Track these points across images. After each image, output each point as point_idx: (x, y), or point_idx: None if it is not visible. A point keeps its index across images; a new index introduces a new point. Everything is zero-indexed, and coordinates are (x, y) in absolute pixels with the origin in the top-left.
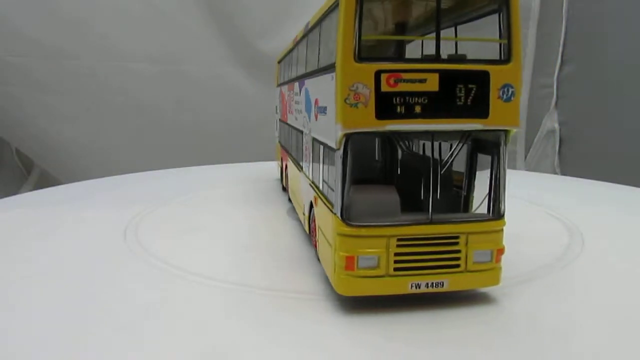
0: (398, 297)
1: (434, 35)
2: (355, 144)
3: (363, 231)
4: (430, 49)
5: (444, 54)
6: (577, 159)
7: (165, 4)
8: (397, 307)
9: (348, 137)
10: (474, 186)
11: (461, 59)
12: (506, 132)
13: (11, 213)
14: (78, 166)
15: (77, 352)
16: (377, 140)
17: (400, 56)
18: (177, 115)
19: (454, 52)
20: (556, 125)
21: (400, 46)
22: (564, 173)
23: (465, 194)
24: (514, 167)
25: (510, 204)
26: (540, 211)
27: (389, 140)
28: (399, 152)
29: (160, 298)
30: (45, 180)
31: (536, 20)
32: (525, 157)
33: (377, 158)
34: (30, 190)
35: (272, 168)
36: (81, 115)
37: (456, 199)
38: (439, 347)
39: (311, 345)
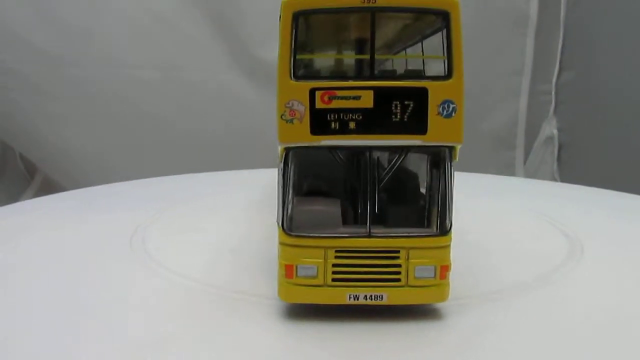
0: (351, 307)
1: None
2: (308, 157)
3: (302, 241)
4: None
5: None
6: (576, 165)
7: (166, 12)
8: (344, 316)
9: (288, 150)
10: (422, 201)
11: (398, 75)
12: (451, 147)
13: (15, 220)
14: (81, 172)
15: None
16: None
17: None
18: (180, 122)
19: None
20: (555, 132)
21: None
22: (563, 179)
23: (412, 208)
24: (513, 173)
25: (508, 211)
26: (539, 219)
27: (338, 154)
28: (351, 166)
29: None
30: (48, 186)
31: (534, 28)
32: (525, 163)
33: (331, 171)
34: (33, 194)
35: (274, 175)
36: (84, 121)
37: (403, 213)
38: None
39: (238, 346)
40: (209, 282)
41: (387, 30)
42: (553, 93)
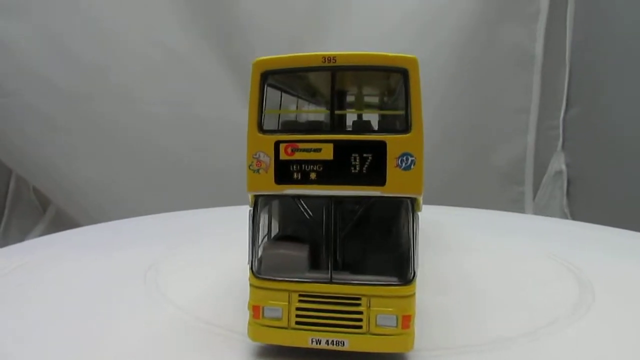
0: (321, 351)
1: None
2: (284, 204)
3: (269, 284)
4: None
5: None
6: (585, 200)
7: (178, 48)
8: (314, 358)
9: (257, 197)
10: (387, 249)
11: (358, 129)
12: (413, 198)
13: (29, 257)
14: (93, 206)
15: None
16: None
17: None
18: (191, 157)
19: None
20: (563, 167)
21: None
22: (573, 214)
23: (376, 256)
24: (522, 209)
25: (517, 252)
26: (549, 260)
27: (302, 202)
28: (323, 212)
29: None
30: (61, 218)
31: (540, 66)
32: (534, 198)
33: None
34: (46, 226)
35: None
36: (96, 155)
37: (367, 260)
38: None
39: None
40: (212, 321)
41: (349, 87)
42: (560, 129)
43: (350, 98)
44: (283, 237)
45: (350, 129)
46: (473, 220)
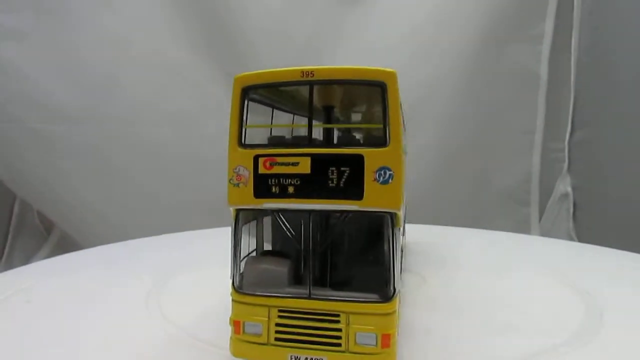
0: None
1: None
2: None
3: (249, 299)
4: None
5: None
6: (592, 223)
7: (181, 68)
8: None
9: (238, 212)
10: (368, 266)
11: (336, 143)
12: (392, 214)
13: (32, 281)
14: (97, 229)
15: None
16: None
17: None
18: (195, 178)
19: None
20: (569, 189)
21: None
22: (579, 236)
23: (357, 272)
24: (528, 231)
25: (523, 273)
26: (556, 283)
27: (280, 216)
28: (305, 227)
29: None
30: (65, 242)
31: (545, 87)
32: (540, 220)
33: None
34: (50, 250)
35: None
36: (100, 178)
37: (348, 277)
38: None
39: None
40: (210, 340)
41: (332, 101)
42: (566, 151)
43: (337, 113)
44: (267, 252)
45: (325, 142)
46: (480, 241)
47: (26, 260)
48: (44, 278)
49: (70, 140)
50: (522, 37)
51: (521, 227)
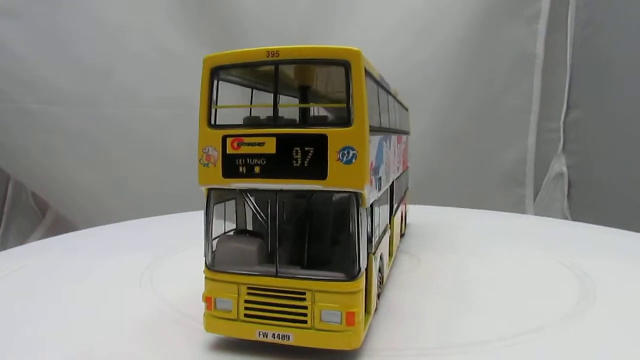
0: (273, 345)
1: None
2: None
3: (220, 276)
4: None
5: None
6: (586, 202)
7: (178, 50)
8: (267, 352)
9: (210, 192)
10: (335, 245)
11: (301, 123)
12: (357, 193)
13: (29, 260)
14: (93, 209)
15: None
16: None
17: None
18: (191, 160)
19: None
20: (564, 169)
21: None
22: (573, 216)
23: (324, 251)
24: (523, 211)
25: (519, 252)
26: (551, 260)
27: (248, 196)
28: (272, 207)
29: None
30: (59, 223)
31: (541, 67)
32: (535, 200)
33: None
34: (45, 231)
35: None
36: (95, 159)
37: (315, 255)
38: None
39: None
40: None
41: (302, 80)
42: (561, 131)
43: (312, 92)
44: (241, 232)
45: (290, 122)
46: (474, 220)
47: (21, 241)
48: (39, 259)
49: (63, 122)
50: (519, 16)
51: (516, 207)
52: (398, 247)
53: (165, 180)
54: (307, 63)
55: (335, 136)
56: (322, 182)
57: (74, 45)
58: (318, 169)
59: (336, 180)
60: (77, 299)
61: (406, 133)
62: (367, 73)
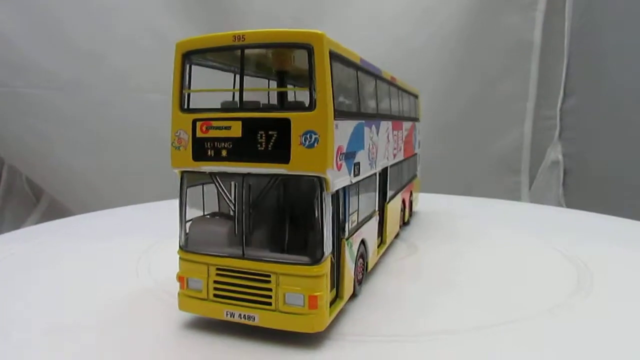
0: (245, 326)
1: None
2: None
3: (192, 257)
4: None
5: None
6: (582, 190)
7: (172, 34)
8: (240, 332)
9: (183, 174)
10: (300, 229)
11: (264, 107)
12: (321, 178)
13: (23, 245)
14: (88, 195)
15: None
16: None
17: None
18: None
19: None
20: (560, 157)
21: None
22: (569, 204)
23: (290, 235)
24: (518, 199)
25: (516, 239)
26: (547, 247)
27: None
28: (239, 190)
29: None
30: (54, 208)
31: (538, 54)
32: (530, 187)
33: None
34: (40, 216)
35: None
36: (90, 144)
37: (281, 239)
38: None
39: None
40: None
41: (270, 64)
42: (558, 118)
43: (286, 76)
44: (215, 214)
45: (252, 107)
46: (470, 207)
47: (15, 227)
48: (35, 243)
49: (55, 106)
50: (516, 3)
51: (511, 195)
52: (398, 234)
53: (160, 165)
54: (271, 47)
55: (298, 120)
56: (286, 166)
57: (66, 29)
58: (281, 153)
59: (299, 164)
60: (72, 278)
61: (411, 119)
62: (339, 57)
